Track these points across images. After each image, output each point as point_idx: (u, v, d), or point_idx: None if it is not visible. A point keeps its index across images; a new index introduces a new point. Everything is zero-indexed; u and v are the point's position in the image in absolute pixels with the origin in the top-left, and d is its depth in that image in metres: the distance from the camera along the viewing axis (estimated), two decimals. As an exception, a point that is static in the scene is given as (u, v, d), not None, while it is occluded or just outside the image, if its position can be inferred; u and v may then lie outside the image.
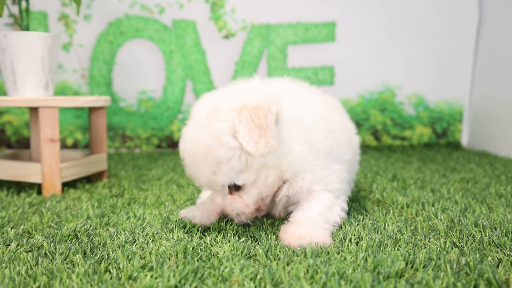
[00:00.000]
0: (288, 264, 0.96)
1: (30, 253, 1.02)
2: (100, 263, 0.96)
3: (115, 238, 1.13)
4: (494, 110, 2.55)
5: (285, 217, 1.28)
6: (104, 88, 2.66)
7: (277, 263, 0.96)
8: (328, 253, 1.00)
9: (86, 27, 2.61)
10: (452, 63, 2.76)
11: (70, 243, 1.08)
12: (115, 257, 0.99)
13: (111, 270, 0.92)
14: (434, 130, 2.82)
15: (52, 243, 1.08)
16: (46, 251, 1.03)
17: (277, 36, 2.71)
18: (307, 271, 0.90)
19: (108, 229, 1.20)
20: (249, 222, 1.20)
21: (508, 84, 2.43)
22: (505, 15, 2.49)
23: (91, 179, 1.86)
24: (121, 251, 1.02)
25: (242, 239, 1.11)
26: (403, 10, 2.72)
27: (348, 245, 1.04)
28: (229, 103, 1.07)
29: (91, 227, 1.21)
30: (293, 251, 1.01)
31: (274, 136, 1.03)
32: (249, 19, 2.69)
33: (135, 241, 1.12)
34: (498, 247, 1.01)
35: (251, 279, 0.87)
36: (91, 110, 1.85)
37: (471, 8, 2.70)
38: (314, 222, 1.10)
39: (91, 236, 1.14)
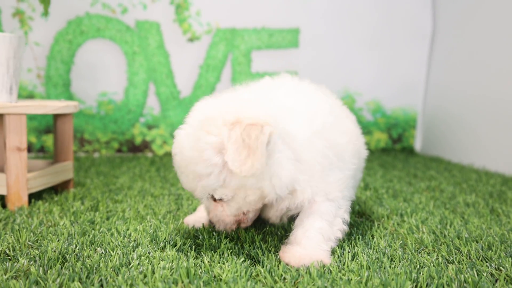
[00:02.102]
0: (295, 285, 0.96)
1: (18, 280, 0.95)
2: (102, 291, 0.91)
3: (108, 260, 1.08)
4: (446, 117, 2.70)
5: (284, 223, 1.28)
6: (62, 89, 2.52)
7: (284, 285, 0.96)
8: (331, 271, 1.02)
9: (43, 24, 2.46)
10: (407, 72, 2.89)
11: (61, 267, 1.02)
12: (117, 284, 0.94)
13: (116, 299, 0.88)
14: (390, 136, 2.94)
15: (40, 268, 1.01)
16: (37, 278, 0.96)
17: (242, 40, 2.70)
18: (319, 293, 0.91)
19: (95, 250, 1.15)
20: (231, 230, 1.22)
21: (460, 92, 2.58)
22: (458, 26, 2.64)
23: (57, 189, 1.77)
24: (120, 276, 0.98)
25: (241, 258, 1.10)
26: (364, 19, 2.81)
27: (347, 263, 1.07)
28: (222, 115, 1.04)
29: (77, 247, 1.15)
30: (297, 272, 1.02)
31: (262, 159, 0.99)
32: (214, 22, 2.66)
33: (130, 263, 1.08)
34: (486, 261, 1.08)
35: (265, 304, 0.86)
36: (57, 115, 1.75)
37: (425, 19, 2.84)
38: (314, 242, 1.10)
39: (81, 258, 1.09)
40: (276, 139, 1.04)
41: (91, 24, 2.52)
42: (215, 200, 1.14)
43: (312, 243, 1.09)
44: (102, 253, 1.13)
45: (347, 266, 1.05)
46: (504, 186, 1.84)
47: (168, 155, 2.67)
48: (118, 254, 1.12)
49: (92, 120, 2.59)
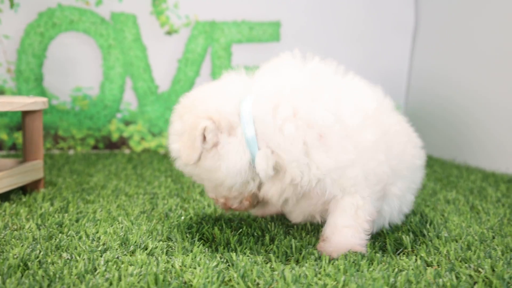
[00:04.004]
0: (268, 292, 0.92)
1: (-26, 291, 0.89)
2: (63, 302, 0.86)
3: (72, 266, 1.02)
4: (428, 112, 2.69)
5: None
6: (34, 84, 2.43)
7: (257, 291, 0.92)
8: (307, 276, 0.98)
9: (12, 16, 2.36)
10: (390, 66, 2.87)
11: (22, 276, 0.96)
12: (79, 293, 0.89)
13: (78, 310, 0.83)
14: (372, 131, 2.91)
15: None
16: (-6, 288, 0.91)
17: (221, 34, 2.64)
18: (293, 301, 0.87)
19: (61, 255, 1.09)
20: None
21: (442, 87, 2.56)
22: (441, 20, 2.62)
23: (26, 189, 1.69)
24: (84, 285, 0.93)
25: (214, 262, 1.05)
26: (347, 13, 2.77)
27: (324, 267, 1.03)
28: (192, 105, 1.12)
29: (41, 253, 1.09)
30: (271, 277, 0.97)
31: (196, 151, 1.07)
32: (193, 15, 2.59)
33: (96, 269, 1.02)
34: (465, 262, 1.05)
35: (236, 314, 0.82)
36: (25, 112, 1.68)
37: (408, 13, 2.81)
38: (342, 237, 1.11)
39: (44, 265, 1.03)
40: (220, 131, 1.08)
41: (63, 16, 2.43)
42: None
43: (341, 238, 1.11)
44: (68, 258, 1.07)
45: (324, 270, 1.01)
46: (485, 182, 1.83)
47: (146, 151, 2.61)
48: (84, 259, 1.06)
49: (66, 116, 2.51)
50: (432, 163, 2.31)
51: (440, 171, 2.06)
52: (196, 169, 1.12)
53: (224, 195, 1.19)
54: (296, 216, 1.27)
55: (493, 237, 1.20)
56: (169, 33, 2.57)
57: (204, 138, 1.08)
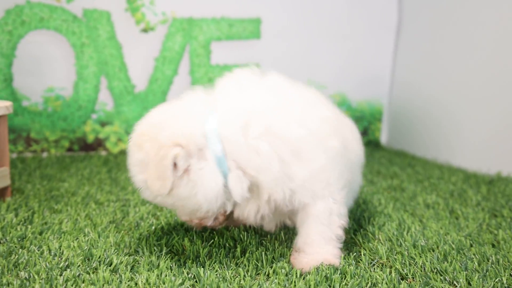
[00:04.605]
0: (234, 313, 0.87)
1: None
2: (12, 330, 0.80)
3: (28, 287, 0.96)
4: (412, 110, 2.65)
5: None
6: (3, 85, 2.34)
7: (222, 313, 0.87)
8: (276, 294, 0.94)
9: (-21, 14, 2.27)
10: (373, 64, 2.82)
11: (-29, 300, 0.90)
12: (30, 320, 0.83)
13: None
14: (355, 128, 2.87)
15: None
16: None
17: (200, 31, 2.56)
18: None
19: (18, 274, 1.03)
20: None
21: (425, 85, 2.53)
22: (424, 16, 2.58)
23: (-9, 197, 1.62)
24: (37, 309, 0.87)
25: (179, 279, 1.00)
26: (329, 10, 2.71)
27: (294, 282, 0.98)
28: (150, 133, 1.05)
29: (-3, 272, 1.03)
30: (238, 296, 0.93)
31: (167, 182, 1.01)
32: (170, 12, 2.51)
33: (53, 290, 0.97)
34: (441, 274, 1.01)
35: None
36: (-11, 118, 1.60)
37: (391, 9, 2.76)
38: (315, 246, 1.07)
39: (-3, 286, 0.97)
40: (191, 157, 1.02)
41: (33, 14, 2.33)
42: None
43: (314, 248, 1.07)
44: (25, 278, 1.02)
45: (294, 286, 0.97)
46: (466, 183, 1.79)
47: (123, 153, 2.53)
48: (42, 279, 1.00)
49: (38, 117, 2.42)
50: (414, 163, 2.28)
51: (422, 172, 2.03)
52: (169, 199, 1.06)
53: (198, 217, 1.14)
54: (269, 225, 1.27)
55: (471, 245, 1.16)
56: (145, 30, 2.49)
57: (175, 165, 1.01)
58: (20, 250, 1.16)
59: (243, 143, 1.02)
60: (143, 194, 1.10)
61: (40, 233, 1.30)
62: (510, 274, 0.99)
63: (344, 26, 2.74)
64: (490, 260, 1.07)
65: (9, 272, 1.04)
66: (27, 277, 1.02)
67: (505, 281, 0.94)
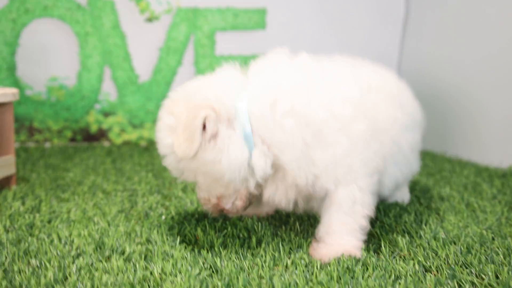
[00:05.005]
0: (256, 303, 0.84)
1: None
2: (27, 319, 0.77)
3: (41, 275, 0.93)
4: (419, 101, 2.62)
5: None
6: (6, 74, 2.30)
7: (244, 303, 0.84)
8: (297, 284, 0.91)
9: (-19, 1, 2.22)
10: (379, 55, 2.78)
11: (-18, 288, 0.87)
12: (46, 308, 0.80)
13: (43, 329, 0.74)
14: (360, 122, 2.84)
15: (-44, 290, 0.86)
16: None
17: (205, 21, 2.52)
18: (284, 315, 0.79)
19: (29, 262, 1.00)
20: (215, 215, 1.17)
21: (432, 77, 2.50)
22: (431, 8, 2.55)
23: (-5, 186, 1.59)
24: (52, 298, 0.84)
25: (196, 269, 0.97)
26: (335, 0, 2.68)
27: (315, 274, 0.95)
28: (184, 98, 1.06)
29: (7, 260, 1.00)
30: (259, 286, 0.90)
31: (195, 143, 1.00)
32: (175, 1, 2.47)
33: (67, 278, 0.93)
34: (466, 267, 0.98)
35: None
36: (-6, 104, 1.56)
37: (398, 1, 2.73)
38: (337, 237, 1.05)
39: (9, 274, 0.93)
40: (221, 122, 1.02)
41: (37, 2, 2.29)
42: None
43: (336, 238, 1.04)
44: (37, 266, 0.98)
45: (316, 277, 0.94)
46: (479, 177, 1.77)
47: (127, 144, 2.50)
48: (54, 267, 0.97)
49: (41, 107, 2.38)
50: (423, 156, 2.25)
51: (432, 165, 2.00)
52: (193, 163, 1.04)
53: (218, 193, 1.10)
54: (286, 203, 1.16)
55: (493, 239, 1.14)
56: (149, 20, 2.45)
57: (204, 128, 1.01)
58: (30, 238, 1.13)
59: (270, 119, 1.02)
60: (166, 161, 1.08)
61: (49, 222, 1.26)
62: (537, 266, 0.97)
63: (351, 16, 2.71)
64: (514, 253, 1.04)
65: (20, 259, 1.01)
66: (39, 265, 0.98)
67: (533, 274, 0.92)
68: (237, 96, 1.05)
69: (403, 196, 1.46)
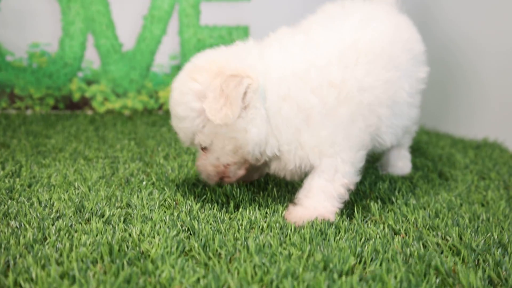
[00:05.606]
0: (230, 262, 0.88)
1: None
2: (7, 274, 0.79)
3: (20, 235, 0.95)
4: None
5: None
6: (-15, 39, 2.27)
7: (218, 262, 0.87)
8: (271, 245, 0.94)
9: (-42, -37, 2.16)
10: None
11: (-38, 246, 0.89)
12: (25, 265, 0.82)
13: (22, 284, 0.77)
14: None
15: None
16: None
17: (189, -11, 2.50)
18: (255, 272, 0.82)
19: (8, 223, 1.01)
20: (213, 182, 1.20)
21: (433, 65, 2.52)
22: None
23: (-24, 151, 1.58)
24: (31, 255, 0.86)
25: (174, 231, 1.00)
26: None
27: (289, 235, 0.99)
28: (211, 66, 1.09)
29: (-14, 221, 1.01)
30: (234, 246, 0.93)
31: (236, 109, 1.04)
32: (159, -32, 2.43)
33: (46, 238, 0.95)
34: (433, 230, 1.03)
35: (193, 287, 0.77)
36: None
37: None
38: (314, 200, 1.09)
39: (-12, 234, 0.95)
40: (254, 93, 1.06)
41: (17, -35, 2.24)
42: (202, 149, 1.16)
43: (312, 202, 1.09)
44: (16, 226, 1.00)
45: (289, 239, 0.97)
46: (453, 148, 1.82)
47: (110, 112, 2.49)
48: (34, 228, 0.99)
49: (23, 73, 2.36)
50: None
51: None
52: (223, 129, 1.07)
53: (229, 161, 1.14)
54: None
55: (461, 205, 1.18)
56: (133, -13, 2.42)
57: (244, 95, 1.05)
58: (10, 201, 1.14)
59: (275, 104, 1.08)
60: (183, 123, 1.10)
61: (29, 186, 1.27)
62: (500, 230, 1.02)
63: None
64: (480, 218, 1.09)
65: (0, 220, 1.02)
66: (18, 226, 1.00)
67: (496, 236, 0.96)
68: (259, 72, 1.09)
69: (404, 167, 1.48)
